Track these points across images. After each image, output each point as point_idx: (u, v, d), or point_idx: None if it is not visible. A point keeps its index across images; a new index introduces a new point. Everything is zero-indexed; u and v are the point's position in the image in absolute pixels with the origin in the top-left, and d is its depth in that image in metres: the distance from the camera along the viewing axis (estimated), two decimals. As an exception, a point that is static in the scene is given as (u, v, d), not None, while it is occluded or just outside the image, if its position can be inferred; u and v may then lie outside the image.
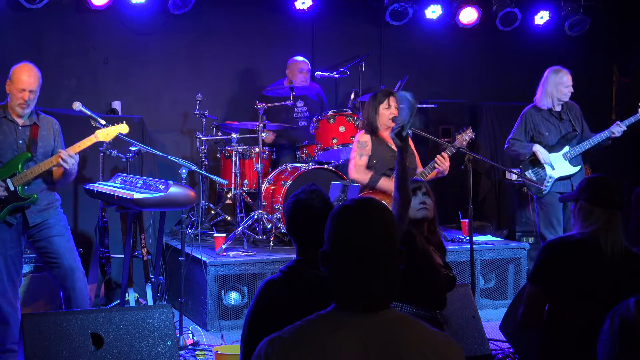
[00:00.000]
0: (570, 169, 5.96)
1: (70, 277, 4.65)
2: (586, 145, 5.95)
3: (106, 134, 4.73)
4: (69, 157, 4.52)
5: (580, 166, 5.99)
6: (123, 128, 4.80)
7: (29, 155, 4.57)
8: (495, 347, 4.90)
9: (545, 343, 3.29)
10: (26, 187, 4.57)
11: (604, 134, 5.93)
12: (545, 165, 5.94)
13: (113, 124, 4.79)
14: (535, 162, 5.98)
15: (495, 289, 6.36)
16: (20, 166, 4.54)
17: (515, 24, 8.12)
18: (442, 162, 5.25)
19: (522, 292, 3.64)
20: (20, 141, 4.59)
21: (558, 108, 6.04)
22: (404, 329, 1.90)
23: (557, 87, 5.97)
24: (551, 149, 5.98)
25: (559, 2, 8.33)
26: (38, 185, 4.65)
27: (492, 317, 5.66)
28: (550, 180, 5.92)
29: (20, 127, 4.60)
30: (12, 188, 4.50)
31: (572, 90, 6.03)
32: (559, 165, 5.95)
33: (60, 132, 4.80)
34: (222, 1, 7.52)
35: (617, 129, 5.89)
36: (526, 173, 5.97)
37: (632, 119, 5.92)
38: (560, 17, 8.33)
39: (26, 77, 4.55)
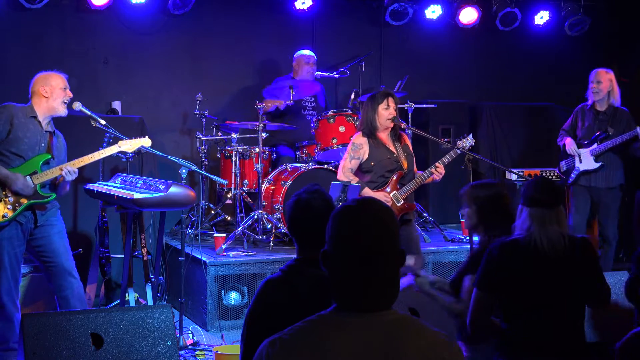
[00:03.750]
0: (592, 165, 6.29)
1: (68, 277, 4.72)
2: (609, 144, 6.23)
3: (130, 145, 4.88)
4: (71, 172, 4.65)
5: (600, 164, 6.28)
6: (146, 142, 4.95)
7: (49, 156, 4.69)
8: (495, 347, 4.89)
9: (502, 350, 3.30)
10: (43, 188, 4.66)
11: (625, 136, 6.20)
12: (575, 157, 6.37)
13: (131, 137, 4.95)
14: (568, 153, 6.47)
15: (495, 289, 6.36)
16: (39, 165, 4.64)
17: (515, 24, 8.11)
18: (439, 172, 5.25)
19: None
20: (43, 144, 4.72)
21: (600, 108, 6.35)
22: (404, 330, 1.90)
23: (590, 83, 6.36)
24: (584, 142, 6.35)
25: (559, 2, 8.32)
26: (48, 187, 4.74)
27: (492, 317, 5.66)
28: (576, 171, 6.36)
29: (44, 132, 4.74)
30: (32, 185, 4.60)
31: (600, 88, 6.28)
32: (585, 159, 6.32)
33: (65, 147, 4.93)
34: (222, 1, 7.52)
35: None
36: (561, 163, 6.48)
37: None
38: (560, 17, 8.33)
39: (63, 78, 4.80)
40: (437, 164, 5.22)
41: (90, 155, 4.76)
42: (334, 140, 6.31)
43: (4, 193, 4.56)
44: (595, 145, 6.28)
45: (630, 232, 7.61)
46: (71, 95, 4.80)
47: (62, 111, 4.77)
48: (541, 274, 3.19)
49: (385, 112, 5.19)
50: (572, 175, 6.37)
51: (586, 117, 6.39)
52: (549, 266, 3.19)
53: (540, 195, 3.27)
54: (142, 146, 4.94)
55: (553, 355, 3.17)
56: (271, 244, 5.98)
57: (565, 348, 3.18)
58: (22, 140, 4.63)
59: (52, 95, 4.71)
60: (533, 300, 3.20)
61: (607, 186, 6.32)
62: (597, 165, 6.27)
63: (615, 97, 6.33)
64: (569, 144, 6.38)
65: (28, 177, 4.58)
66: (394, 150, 5.22)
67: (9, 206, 4.55)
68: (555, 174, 6.73)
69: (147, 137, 4.99)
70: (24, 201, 4.58)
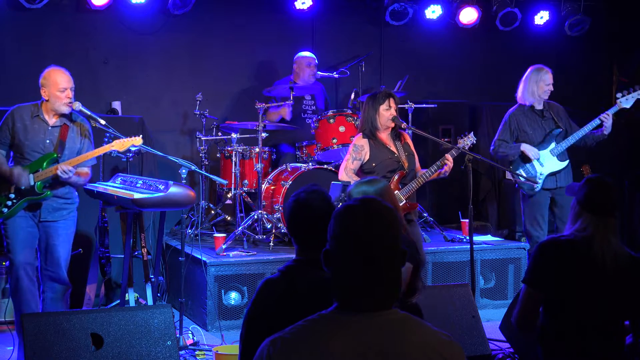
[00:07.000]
0: (558, 165, 5.99)
1: (59, 288, 4.79)
2: (571, 140, 5.99)
3: (122, 144, 4.86)
4: (66, 171, 4.63)
5: (567, 161, 6.03)
6: (137, 141, 4.91)
7: (55, 155, 4.73)
8: (495, 347, 4.90)
9: (541, 345, 3.30)
10: (46, 185, 4.70)
11: (588, 126, 5.96)
12: (535, 163, 5.98)
13: (130, 136, 4.90)
14: (525, 160, 6.00)
15: (495, 289, 6.37)
16: (45, 165, 4.69)
17: (515, 24, 8.11)
18: (448, 163, 5.20)
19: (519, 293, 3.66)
20: (48, 141, 4.76)
21: (539, 107, 6.09)
22: (405, 329, 1.90)
23: (538, 84, 6.02)
24: (538, 146, 6.00)
25: (559, 2, 8.33)
26: (56, 183, 4.77)
27: (492, 317, 5.67)
28: (541, 177, 5.96)
29: (50, 128, 4.77)
30: (31, 183, 4.65)
31: (552, 89, 6.09)
32: (547, 161, 5.98)
33: (89, 133, 4.93)
34: (222, 1, 7.52)
35: (605, 117, 5.90)
36: (518, 172, 5.96)
37: (614, 108, 5.96)
38: (560, 17, 8.33)
39: (63, 77, 4.77)
40: (446, 155, 5.18)
41: (84, 155, 4.77)
42: (334, 140, 6.31)
43: (5, 193, 4.65)
44: (553, 145, 5.98)
45: (630, 232, 7.62)
46: (70, 96, 4.79)
47: (64, 110, 4.80)
48: (592, 277, 3.16)
49: (387, 112, 5.18)
50: (539, 182, 5.89)
51: (527, 119, 6.05)
52: (603, 275, 3.15)
53: (606, 203, 3.20)
54: (132, 145, 4.90)
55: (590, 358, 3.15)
56: (271, 244, 5.98)
57: (603, 353, 3.16)
58: (24, 144, 4.72)
59: (50, 98, 4.75)
60: (579, 302, 3.17)
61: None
62: (565, 163, 5.99)
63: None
64: (529, 149, 5.93)
65: (31, 175, 4.65)
66: (395, 150, 5.22)
67: (9, 202, 4.65)
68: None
69: (140, 136, 4.93)
70: (21, 198, 4.65)
